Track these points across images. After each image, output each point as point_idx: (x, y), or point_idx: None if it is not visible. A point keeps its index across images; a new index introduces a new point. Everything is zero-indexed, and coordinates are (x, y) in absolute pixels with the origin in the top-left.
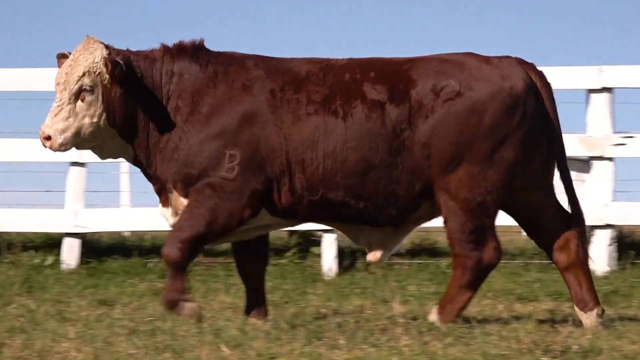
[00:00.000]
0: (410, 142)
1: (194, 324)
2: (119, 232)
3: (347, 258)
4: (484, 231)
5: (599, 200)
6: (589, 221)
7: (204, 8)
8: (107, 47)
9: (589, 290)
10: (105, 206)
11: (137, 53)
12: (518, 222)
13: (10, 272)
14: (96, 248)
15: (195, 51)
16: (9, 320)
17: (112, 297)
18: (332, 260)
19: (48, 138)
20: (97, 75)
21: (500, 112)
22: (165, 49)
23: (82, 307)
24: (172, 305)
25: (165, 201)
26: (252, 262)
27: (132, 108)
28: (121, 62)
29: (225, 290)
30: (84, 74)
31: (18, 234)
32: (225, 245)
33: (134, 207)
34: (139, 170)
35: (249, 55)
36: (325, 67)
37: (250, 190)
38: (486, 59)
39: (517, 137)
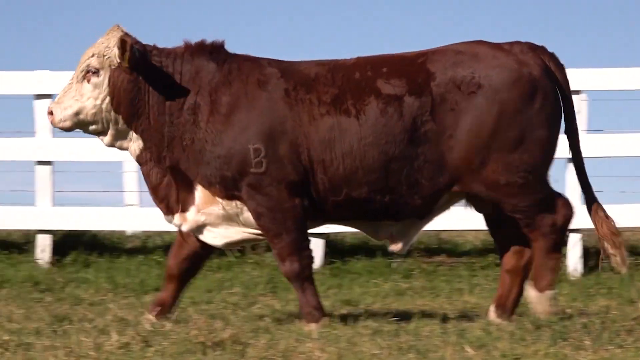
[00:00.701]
0: (434, 134)
1: (438, 324)
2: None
3: (592, 258)
4: (542, 202)
5: None
6: None
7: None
8: (127, 35)
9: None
10: None
11: (161, 49)
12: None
13: (254, 272)
14: (339, 248)
15: (213, 50)
16: (254, 320)
17: (355, 298)
18: (577, 260)
19: (51, 113)
20: (106, 59)
21: (522, 99)
22: (186, 46)
23: (326, 307)
24: (313, 319)
25: (167, 207)
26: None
27: (142, 98)
28: (136, 49)
29: (469, 290)
30: (92, 55)
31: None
32: (469, 246)
33: None
34: None
35: (264, 57)
36: (334, 68)
37: (288, 180)
38: (498, 46)
39: (542, 118)
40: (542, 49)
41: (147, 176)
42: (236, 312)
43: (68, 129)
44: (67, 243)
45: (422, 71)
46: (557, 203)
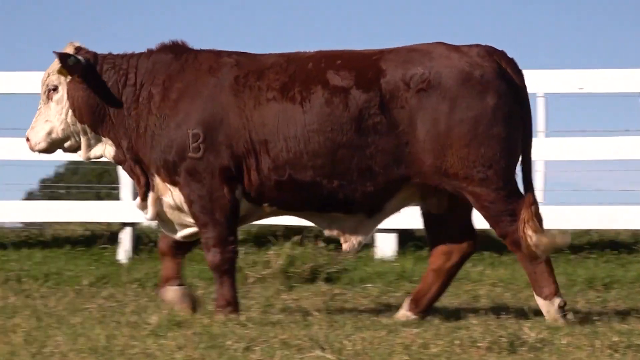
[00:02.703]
0: (385, 127)
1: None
2: None
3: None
4: (507, 201)
5: None
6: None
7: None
8: (79, 48)
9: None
10: None
11: (115, 54)
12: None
13: None
14: None
15: (172, 46)
16: None
17: None
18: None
19: (28, 139)
20: (60, 74)
21: (472, 97)
22: (147, 49)
23: None
24: (224, 310)
25: (143, 194)
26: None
27: (100, 102)
28: (76, 56)
29: None
30: (48, 75)
31: None
32: None
33: None
34: None
35: (228, 50)
36: (291, 59)
37: (219, 167)
38: (455, 48)
39: (498, 116)
40: (501, 53)
41: (129, 172)
42: None
43: (46, 151)
44: None
45: (374, 67)
46: (520, 207)
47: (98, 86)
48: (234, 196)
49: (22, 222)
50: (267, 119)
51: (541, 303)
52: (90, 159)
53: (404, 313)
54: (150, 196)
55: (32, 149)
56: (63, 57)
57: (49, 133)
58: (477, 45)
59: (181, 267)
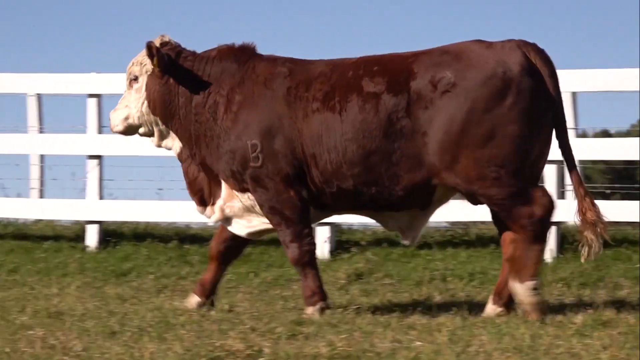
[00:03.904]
0: (409, 130)
1: None
2: None
3: None
4: (518, 195)
5: None
6: None
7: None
8: (166, 42)
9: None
10: None
11: (196, 54)
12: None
13: None
14: None
15: (240, 52)
16: None
17: None
18: None
19: (110, 119)
20: (142, 66)
21: (491, 97)
22: (219, 50)
23: None
24: (311, 300)
25: (200, 200)
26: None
27: (173, 99)
28: (164, 53)
29: None
30: (132, 64)
31: None
32: None
33: None
34: None
35: (284, 57)
36: (335, 66)
37: (282, 173)
38: (487, 45)
39: (514, 114)
40: (532, 46)
41: (185, 173)
42: None
43: (122, 133)
44: None
45: (406, 70)
46: (536, 195)
47: (176, 84)
48: (300, 195)
49: (447, 222)
50: (312, 130)
51: (516, 286)
52: (162, 147)
53: (491, 307)
54: (220, 202)
55: (112, 130)
56: (156, 50)
57: (126, 118)
58: (510, 41)
59: (219, 278)
